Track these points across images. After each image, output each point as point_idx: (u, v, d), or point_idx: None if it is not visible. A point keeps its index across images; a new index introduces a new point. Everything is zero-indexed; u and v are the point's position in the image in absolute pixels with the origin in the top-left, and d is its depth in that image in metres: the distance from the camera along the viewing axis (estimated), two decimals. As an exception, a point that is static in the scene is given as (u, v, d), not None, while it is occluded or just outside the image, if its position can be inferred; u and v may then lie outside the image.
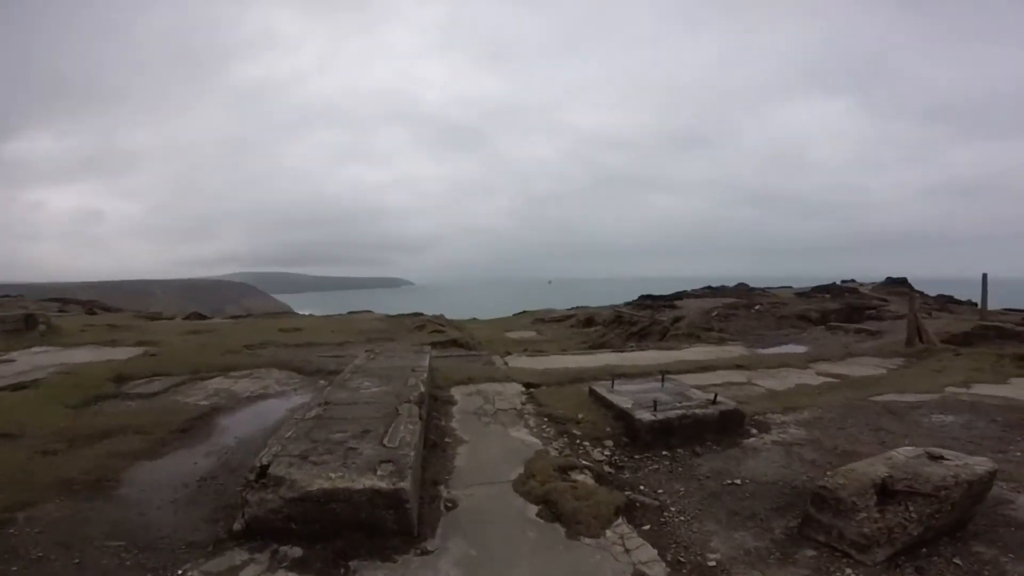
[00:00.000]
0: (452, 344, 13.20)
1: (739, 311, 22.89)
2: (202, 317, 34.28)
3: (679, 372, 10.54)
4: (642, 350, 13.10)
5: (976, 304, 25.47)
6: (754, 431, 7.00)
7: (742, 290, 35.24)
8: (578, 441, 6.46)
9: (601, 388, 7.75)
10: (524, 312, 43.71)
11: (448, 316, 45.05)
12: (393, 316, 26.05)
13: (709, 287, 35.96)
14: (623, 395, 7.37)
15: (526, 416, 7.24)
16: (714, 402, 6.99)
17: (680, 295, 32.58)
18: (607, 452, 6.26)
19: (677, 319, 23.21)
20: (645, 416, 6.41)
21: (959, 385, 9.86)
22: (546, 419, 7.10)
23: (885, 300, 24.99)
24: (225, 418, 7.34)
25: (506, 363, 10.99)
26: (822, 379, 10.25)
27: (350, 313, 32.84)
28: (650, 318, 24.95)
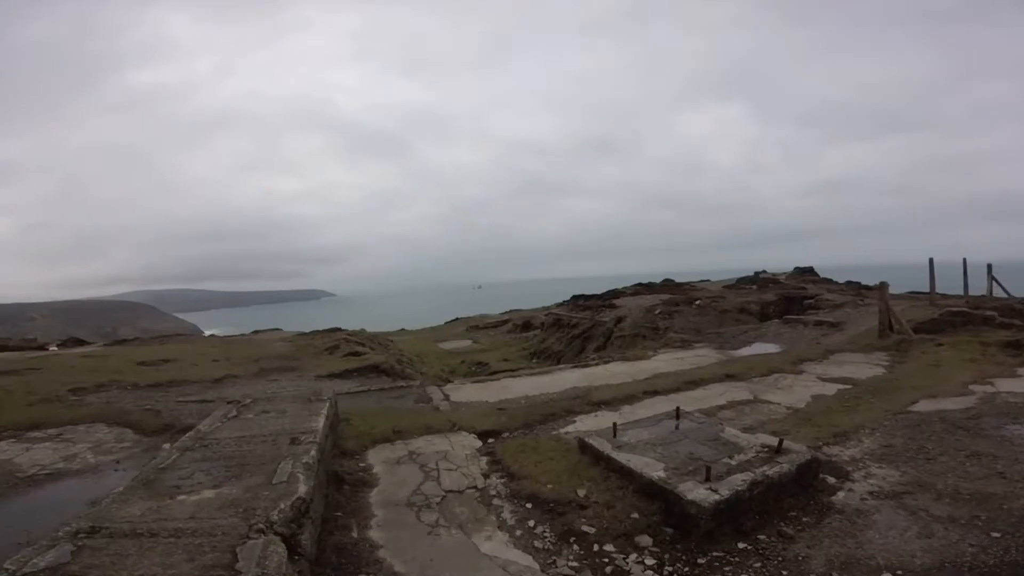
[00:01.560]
0: (373, 370, 9.97)
1: (680, 307, 21.31)
2: (81, 343, 27.83)
3: (668, 391, 8.08)
4: (605, 362, 10.66)
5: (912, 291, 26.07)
6: (831, 479, 4.61)
7: (670, 285, 34.47)
8: (596, 547, 3.66)
9: (600, 441, 4.98)
10: (456, 319, 40.44)
11: (374, 328, 40.60)
12: (305, 334, 21.97)
13: (640, 283, 34.80)
14: (639, 450, 4.68)
15: (495, 503, 4.30)
16: (779, 450, 4.50)
17: (614, 293, 30.91)
18: (651, 560, 3.53)
19: (620, 319, 21.23)
20: (701, 495, 3.73)
21: (979, 381, 8.25)
22: (529, 505, 4.22)
23: (804, 288, 24.66)
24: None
25: (447, 397, 7.96)
26: (834, 387, 8.22)
27: (254, 333, 27.94)
28: (591, 320, 22.82)
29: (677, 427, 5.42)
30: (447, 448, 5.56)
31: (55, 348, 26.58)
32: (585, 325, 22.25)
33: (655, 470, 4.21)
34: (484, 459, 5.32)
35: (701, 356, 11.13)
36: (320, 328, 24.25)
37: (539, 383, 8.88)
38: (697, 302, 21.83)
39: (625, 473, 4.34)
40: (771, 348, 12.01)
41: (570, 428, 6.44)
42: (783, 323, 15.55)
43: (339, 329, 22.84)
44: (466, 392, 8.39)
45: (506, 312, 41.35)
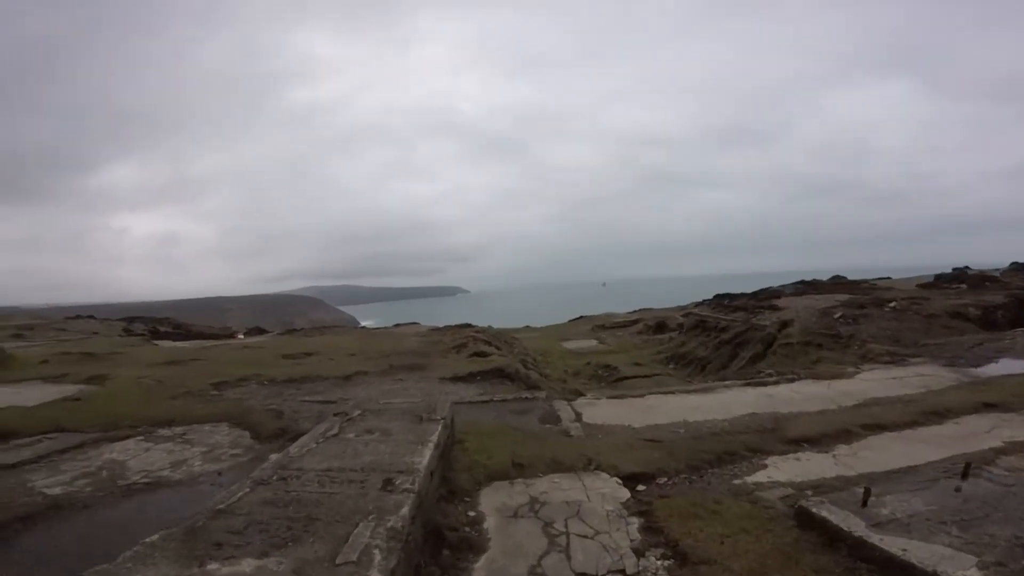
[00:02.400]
0: (497, 374, 8.90)
1: (867, 310, 17.17)
2: (262, 332, 32.01)
3: (900, 426, 5.67)
4: (788, 380, 8.22)
5: None
6: None
7: (843, 282, 28.89)
8: None
9: (840, 513, 3.10)
10: (581, 317, 38.76)
11: (500, 324, 40.73)
12: (438, 329, 22.12)
13: (803, 281, 29.78)
14: (917, 531, 2.74)
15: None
16: None
17: (771, 292, 26.57)
18: None
19: (784, 323, 17.76)
20: None
21: None
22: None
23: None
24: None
25: (578, 416, 6.45)
26: None
27: (396, 326, 29.31)
28: (745, 322, 19.57)
29: (959, 489, 3.29)
30: (581, 497, 4.08)
31: (242, 336, 30.59)
32: (737, 329, 19.11)
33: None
34: (635, 521, 3.74)
35: (927, 376, 8.12)
36: (452, 323, 24.42)
37: (700, 404, 6.94)
38: (892, 304, 17.53)
39: (900, 573, 2.44)
40: (1036, 368, 8.46)
41: (761, 477, 4.55)
42: (1034, 334, 11.31)
43: (469, 325, 22.67)
44: (602, 411, 6.81)
45: (635, 311, 38.55)
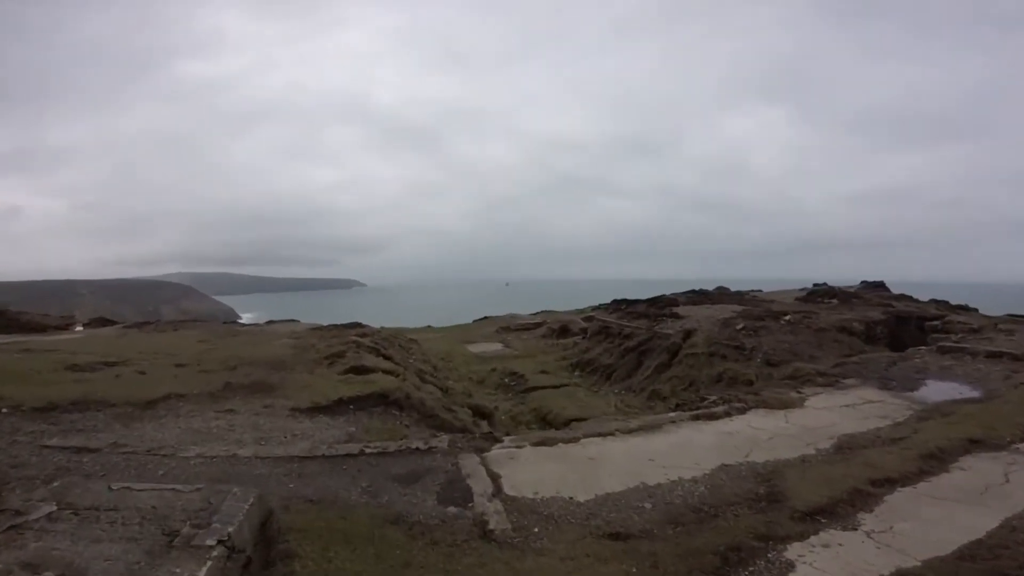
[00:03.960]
0: (378, 401, 6.32)
1: (766, 322, 17.08)
2: (108, 323, 25.41)
3: (912, 477, 4.21)
4: (739, 411, 6.65)
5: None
6: None
7: (727, 293, 30.01)
8: None
9: None
10: (486, 318, 36.75)
11: (399, 322, 37.21)
12: (319, 328, 18.58)
13: (694, 290, 30.38)
14: None
15: None
16: None
17: (668, 300, 26.46)
18: None
19: (689, 333, 17.10)
20: None
21: None
22: None
23: (913, 306, 20.09)
24: None
25: (497, 485, 4.11)
26: None
27: (269, 323, 24.84)
28: (648, 330, 18.75)
29: None
30: None
31: (80, 328, 24.05)
32: (641, 336, 18.20)
33: None
34: None
35: (877, 403, 7.08)
36: (340, 322, 20.95)
37: (653, 451, 5.03)
38: (787, 317, 17.55)
39: None
40: (966, 391, 7.87)
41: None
42: (938, 353, 11.25)
43: (358, 324, 19.39)
44: (529, 470, 4.59)
45: (538, 313, 37.49)
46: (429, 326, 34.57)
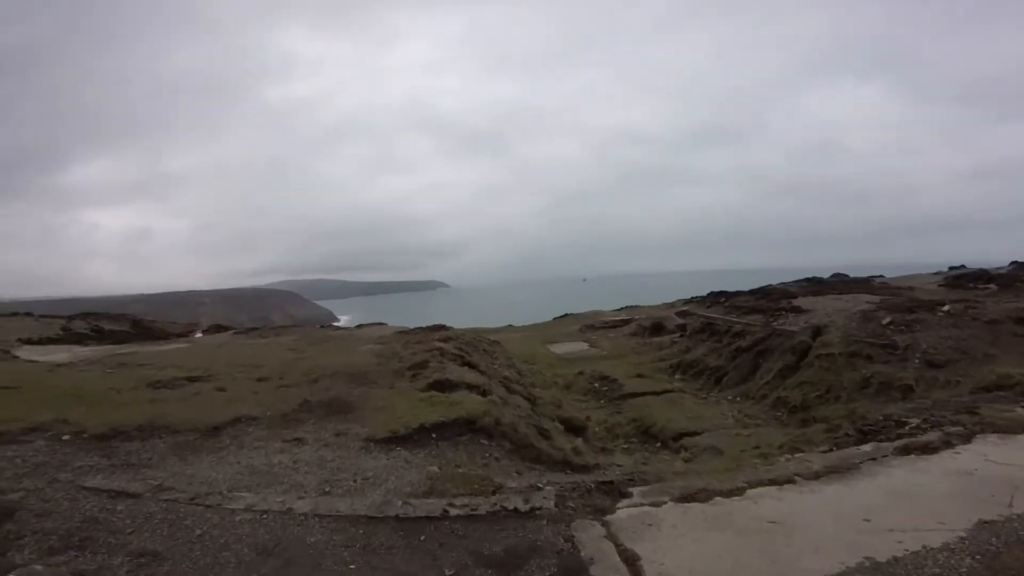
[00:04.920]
0: (465, 429, 5.10)
1: (918, 314, 13.90)
2: (223, 329, 27.51)
3: None
4: (964, 437, 4.64)
5: None
6: None
7: (847, 280, 25.89)
8: None
9: None
10: (566, 316, 35.13)
11: (481, 322, 36.61)
12: (405, 332, 18.16)
13: (810, 279, 26.67)
14: None
15: None
16: None
17: (772, 291, 23.13)
18: None
19: (819, 329, 14.38)
20: None
21: None
22: None
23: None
24: None
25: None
26: None
27: (359, 327, 25.11)
28: (765, 326, 16.16)
29: None
30: None
31: (200, 334, 26.16)
32: (757, 334, 15.66)
33: None
34: None
35: None
36: (425, 323, 20.47)
37: (866, 506, 3.27)
38: (945, 307, 14.25)
39: None
40: None
41: None
42: None
43: (442, 327, 18.73)
44: (683, 544, 3.04)
45: (622, 309, 35.20)
46: (510, 325, 33.62)
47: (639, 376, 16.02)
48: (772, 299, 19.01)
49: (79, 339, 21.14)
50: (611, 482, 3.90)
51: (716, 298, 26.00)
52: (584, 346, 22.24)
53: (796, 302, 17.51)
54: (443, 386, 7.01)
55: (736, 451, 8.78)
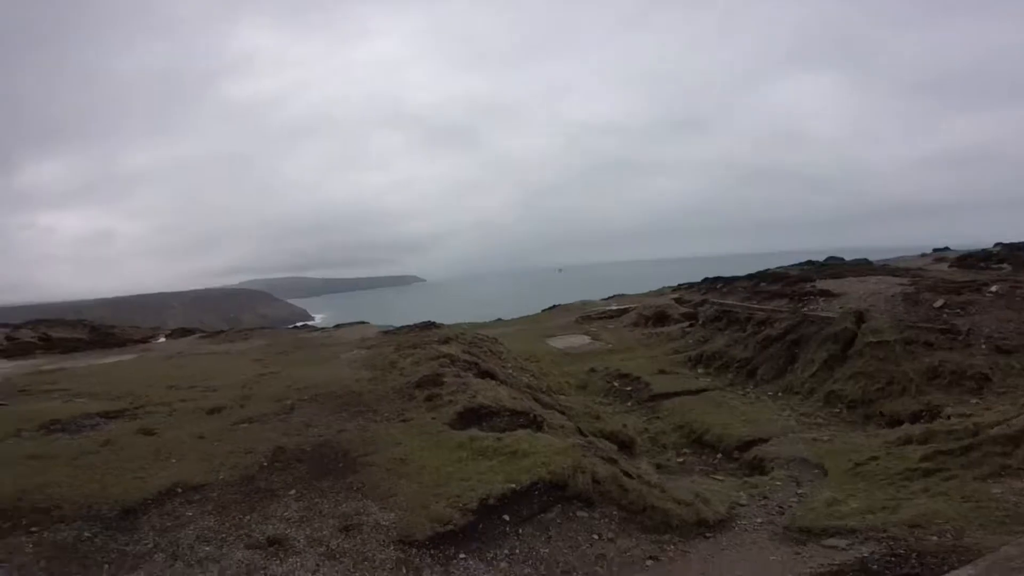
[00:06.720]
0: (549, 494, 2.99)
1: (966, 295, 12.42)
2: (188, 332, 24.58)
3: None
4: None
5: None
6: None
7: (841, 264, 24.76)
8: None
9: None
10: (555, 307, 32.98)
11: (465, 317, 33.90)
12: (393, 332, 15.72)
13: (811, 262, 25.38)
14: None
15: None
16: None
17: (776, 274, 21.52)
18: None
19: (860, 315, 12.76)
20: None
21: None
22: None
23: None
24: None
25: None
26: None
27: (337, 327, 22.40)
28: (794, 313, 14.47)
29: None
30: None
31: (163, 339, 23.11)
32: (787, 321, 13.93)
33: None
34: None
35: None
36: (406, 319, 18.03)
37: None
38: (993, 288, 12.80)
39: None
40: None
41: None
42: None
43: (432, 324, 16.29)
44: None
45: (611, 298, 33.37)
46: (499, 319, 31.35)
47: (662, 372, 14.07)
48: (790, 282, 17.40)
49: (26, 349, 17.95)
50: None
51: (712, 284, 24.41)
52: (586, 339, 20.21)
53: (820, 285, 15.93)
54: (479, 416, 4.81)
55: (840, 467, 6.99)
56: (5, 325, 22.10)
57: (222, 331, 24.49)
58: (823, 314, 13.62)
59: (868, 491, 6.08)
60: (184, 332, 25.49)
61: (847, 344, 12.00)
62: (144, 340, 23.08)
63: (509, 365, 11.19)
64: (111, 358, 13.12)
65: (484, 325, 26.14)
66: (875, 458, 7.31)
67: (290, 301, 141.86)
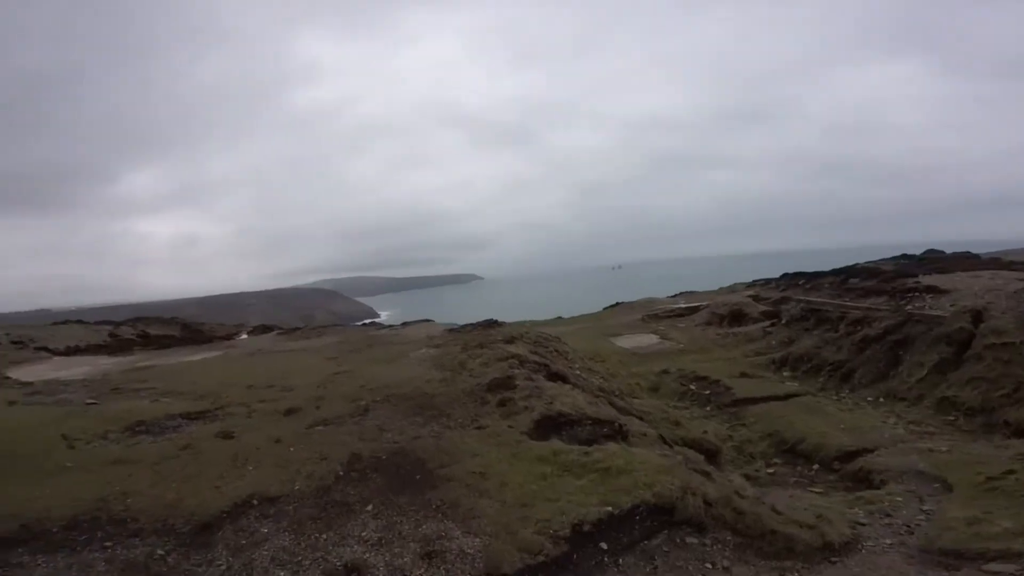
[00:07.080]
0: (654, 519, 2.59)
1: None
2: (268, 329, 26.24)
3: None
4: None
5: None
6: None
7: (941, 256, 21.96)
8: None
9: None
10: (618, 304, 31.85)
11: (524, 315, 33.56)
12: (457, 330, 15.66)
13: (905, 255, 22.82)
14: None
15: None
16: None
17: (852, 270, 19.19)
18: None
19: (978, 314, 11.12)
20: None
21: None
22: None
23: None
24: None
25: None
26: None
27: (404, 325, 22.84)
28: (896, 311, 12.89)
29: None
30: None
31: (245, 336, 24.69)
32: (888, 321, 12.43)
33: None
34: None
35: None
36: (468, 318, 17.93)
37: None
38: None
39: None
40: None
41: None
42: None
43: (495, 323, 16.07)
44: None
45: (678, 295, 31.72)
46: (559, 317, 30.73)
47: (743, 375, 13.04)
48: (887, 279, 15.56)
49: (125, 345, 19.82)
50: None
51: (793, 280, 22.53)
52: (655, 339, 19.23)
53: (925, 281, 14.10)
54: (558, 424, 4.42)
55: (968, 481, 6.02)
56: (108, 323, 24.46)
57: (298, 328, 25.81)
58: (931, 312, 12.04)
59: (1014, 509, 5.20)
60: (264, 329, 27.13)
61: (962, 346, 10.55)
62: (228, 337, 24.75)
63: (576, 366, 10.71)
64: (199, 355, 14.02)
65: (544, 323, 25.67)
66: (1012, 472, 6.33)
67: (357, 299, 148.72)
